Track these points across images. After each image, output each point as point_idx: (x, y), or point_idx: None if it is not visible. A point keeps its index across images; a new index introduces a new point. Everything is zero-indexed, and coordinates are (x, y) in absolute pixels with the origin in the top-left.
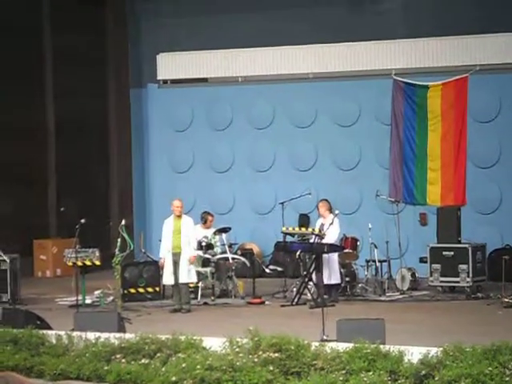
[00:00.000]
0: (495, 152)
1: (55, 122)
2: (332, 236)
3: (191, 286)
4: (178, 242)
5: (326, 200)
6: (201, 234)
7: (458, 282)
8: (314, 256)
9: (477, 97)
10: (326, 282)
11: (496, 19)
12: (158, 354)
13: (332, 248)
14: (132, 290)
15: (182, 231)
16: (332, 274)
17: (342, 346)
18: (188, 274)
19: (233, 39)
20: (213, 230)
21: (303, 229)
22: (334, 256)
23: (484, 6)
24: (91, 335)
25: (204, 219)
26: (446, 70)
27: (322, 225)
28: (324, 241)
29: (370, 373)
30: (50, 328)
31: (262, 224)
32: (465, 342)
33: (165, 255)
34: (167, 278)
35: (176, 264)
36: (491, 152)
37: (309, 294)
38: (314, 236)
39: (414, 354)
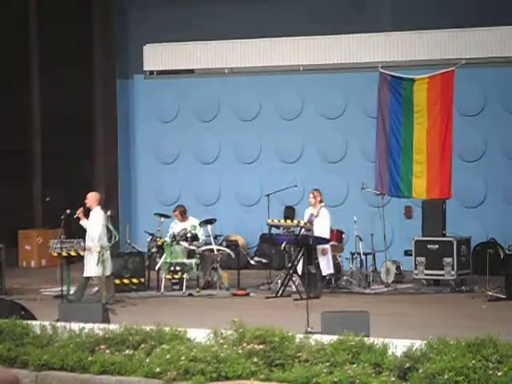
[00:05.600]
0: (481, 146)
1: (41, 113)
2: (324, 229)
3: (176, 277)
4: None
5: (319, 190)
6: (178, 228)
7: (442, 275)
8: (303, 248)
9: (463, 90)
10: (326, 272)
11: (483, 13)
12: (142, 345)
13: (317, 240)
14: (117, 281)
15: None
16: (330, 264)
17: (327, 339)
18: (89, 268)
19: (219, 31)
20: (189, 222)
21: (288, 221)
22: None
23: (471, 0)
24: (75, 326)
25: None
26: (432, 64)
27: (312, 215)
28: (317, 234)
29: (354, 365)
30: (34, 318)
31: (247, 216)
32: (449, 335)
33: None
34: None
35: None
36: (477, 146)
37: (293, 286)
38: (299, 228)
39: (398, 346)
